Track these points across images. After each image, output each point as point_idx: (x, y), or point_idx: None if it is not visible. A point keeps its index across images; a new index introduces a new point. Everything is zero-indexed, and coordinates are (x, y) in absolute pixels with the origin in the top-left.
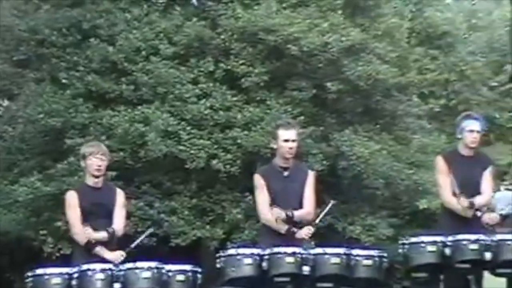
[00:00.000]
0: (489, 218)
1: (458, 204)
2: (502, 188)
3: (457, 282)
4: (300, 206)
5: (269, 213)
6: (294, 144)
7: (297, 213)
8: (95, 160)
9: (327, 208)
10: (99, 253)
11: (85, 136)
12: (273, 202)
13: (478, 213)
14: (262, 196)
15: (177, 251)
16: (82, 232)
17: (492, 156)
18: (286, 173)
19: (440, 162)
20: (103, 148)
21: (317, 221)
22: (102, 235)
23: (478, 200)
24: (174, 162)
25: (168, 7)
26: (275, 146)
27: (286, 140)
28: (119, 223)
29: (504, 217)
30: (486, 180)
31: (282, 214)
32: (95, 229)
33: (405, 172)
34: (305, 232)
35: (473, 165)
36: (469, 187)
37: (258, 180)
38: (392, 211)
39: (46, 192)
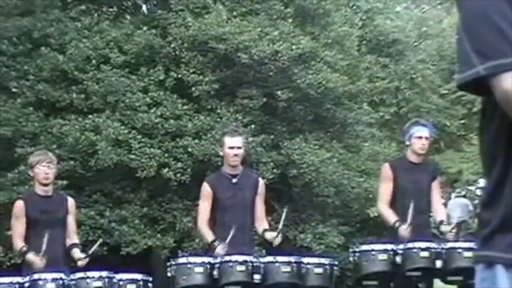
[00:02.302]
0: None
1: (391, 219)
2: (453, 195)
3: None
4: (248, 212)
5: (204, 224)
6: (240, 151)
7: (267, 235)
8: (43, 169)
9: (283, 217)
10: (29, 259)
11: (36, 145)
12: (222, 209)
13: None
14: (203, 206)
15: (128, 260)
16: (19, 244)
17: (442, 164)
18: (234, 180)
19: (384, 169)
20: (50, 156)
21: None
22: (35, 259)
23: (440, 218)
24: (124, 171)
25: (118, 16)
26: (222, 154)
27: (231, 147)
28: (72, 231)
29: (459, 224)
30: (436, 192)
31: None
32: (43, 236)
33: (355, 180)
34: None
35: (421, 172)
36: (416, 193)
37: (205, 189)
38: (343, 219)
39: None
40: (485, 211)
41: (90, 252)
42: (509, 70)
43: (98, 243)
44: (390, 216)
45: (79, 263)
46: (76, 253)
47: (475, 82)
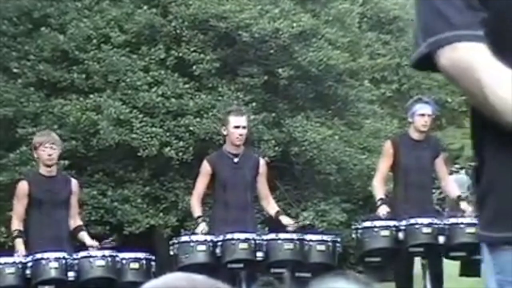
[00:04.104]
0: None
1: (377, 196)
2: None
3: (404, 266)
4: (249, 192)
5: (195, 198)
6: (244, 131)
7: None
8: (46, 150)
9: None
10: (15, 244)
11: (37, 125)
12: (223, 188)
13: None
14: (200, 182)
15: (131, 239)
16: (15, 225)
17: (444, 140)
18: (236, 160)
19: (386, 147)
20: (54, 137)
21: None
22: (20, 247)
23: (456, 193)
24: (126, 150)
25: None
26: (225, 132)
27: (237, 127)
28: (75, 213)
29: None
30: (442, 168)
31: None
32: (48, 218)
33: (357, 157)
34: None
35: (423, 149)
36: (418, 170)
37: (204, 167)
38: (345, 196)
39: None
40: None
41: (102, 244)
42: (444, 45)
43: (110, 239)
44: (378, 193)
45: (91, 249)
46: (87, 238)
47: (427, 61)
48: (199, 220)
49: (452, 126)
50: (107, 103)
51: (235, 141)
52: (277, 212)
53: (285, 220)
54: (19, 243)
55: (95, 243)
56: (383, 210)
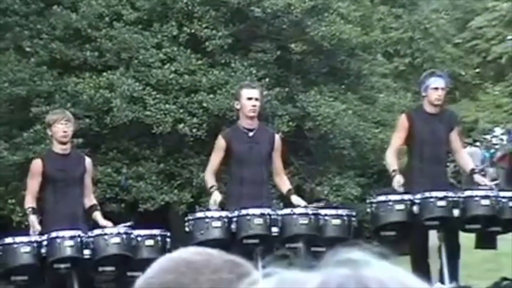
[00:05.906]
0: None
1: (391, 167)
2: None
3: (419, 239)
4: (264, 166)
5: (209, 172)
6: (257, 103)
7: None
8: (61, 127)
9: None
10: (30, 221)
11: (51, 104)
12: (238, 163)
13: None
14: (214, 157)
15: (146, 216)
16: (29, 203)
17: (458, 113)
18: (251, 134)
19: (401, 120)
20: (68, 115)
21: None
22: (34, 224)
23: (470, 166)
24: (140, 127)
25: None
26: (238, 107)
27: (249, 98)
28: (89, 191)
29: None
30: (456, 142)
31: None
32: (63, 196)
33: (371, 131)
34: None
35: (438, 122)
36: (433, 143)
37: (219, 142)
38: (360, 171)
39: (13, 161)
40: None
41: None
42: None
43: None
44: (392, 164)
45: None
46: (100, 219)
47: None
48: (213, 189)
49: (466, 99)
50: (120, 81)
51: (249, 113)
52: (289, 190)
53: (295, 200)
54: (34, 219)
55: (109, 223)
56: (398, 180)
